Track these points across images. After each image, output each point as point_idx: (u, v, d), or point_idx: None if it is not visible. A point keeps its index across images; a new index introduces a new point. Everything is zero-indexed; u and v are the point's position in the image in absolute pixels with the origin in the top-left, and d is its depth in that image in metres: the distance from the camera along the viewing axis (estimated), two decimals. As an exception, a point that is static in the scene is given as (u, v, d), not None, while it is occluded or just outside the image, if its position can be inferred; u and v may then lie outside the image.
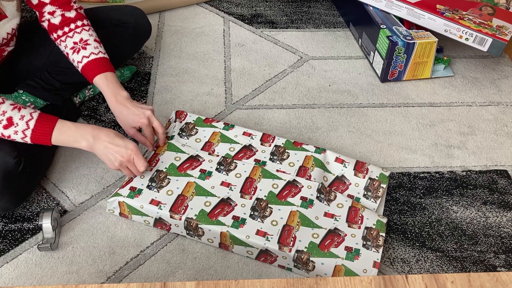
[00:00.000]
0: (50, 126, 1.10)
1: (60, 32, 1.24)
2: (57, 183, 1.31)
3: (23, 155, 1.14)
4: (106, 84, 1.22)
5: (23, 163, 1.13)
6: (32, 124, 1.08)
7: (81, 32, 1.24)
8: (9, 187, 1.13)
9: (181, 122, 1.38)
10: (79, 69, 1.24)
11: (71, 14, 1.24)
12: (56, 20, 1.24)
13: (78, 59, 1.23)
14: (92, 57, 1.22)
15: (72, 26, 1.24)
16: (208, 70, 1.68)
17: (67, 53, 1.25)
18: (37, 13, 1.26)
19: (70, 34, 1.23)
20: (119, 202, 1.19)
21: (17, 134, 1.08)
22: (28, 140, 1.10)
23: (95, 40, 1.25)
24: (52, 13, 1.23)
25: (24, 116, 1.08)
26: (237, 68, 1.70)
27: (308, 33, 1.87)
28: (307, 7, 2.01)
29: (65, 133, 1.11)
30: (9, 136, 1.09)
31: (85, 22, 1.26)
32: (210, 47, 1.78)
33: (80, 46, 1.23)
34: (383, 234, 1.14)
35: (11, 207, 1.19)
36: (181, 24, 1.88)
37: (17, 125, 1.07)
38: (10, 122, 1.07)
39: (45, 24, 1.26)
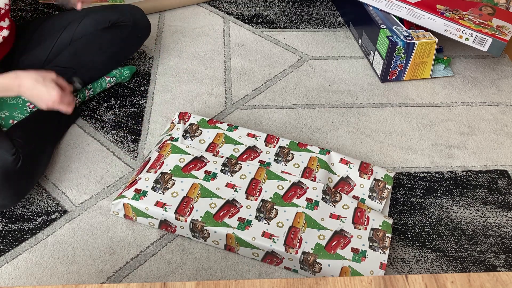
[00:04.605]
0: None
1: None
2: (57, 183, 1.31)
3: (21, 152, 1.14)
4: None
5: (21, 160, 1.14)
6: None
7: None
8: (7, 184, 1.13)
9: (184, 123, 1.37)
10: None
11: None
12: None
13: None
14: None
15: None
16: (208, 70, 1.68)
17: None
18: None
19: None
20: (123, 204, 1.19)
21: None
22: None
23: None
24: None
25: None
26: (237, 68, 1.70)
27: (308, 33, 1.87)
28: (307, 7, 2.01)
29: None
30: None
31: None
32: (210, 47, 1.78)
33: None
34: (390, 235, 1.14)
35: (9, 204, 1.19)
36: (181, 24, 1.88)
37: None
38: None
39: None
